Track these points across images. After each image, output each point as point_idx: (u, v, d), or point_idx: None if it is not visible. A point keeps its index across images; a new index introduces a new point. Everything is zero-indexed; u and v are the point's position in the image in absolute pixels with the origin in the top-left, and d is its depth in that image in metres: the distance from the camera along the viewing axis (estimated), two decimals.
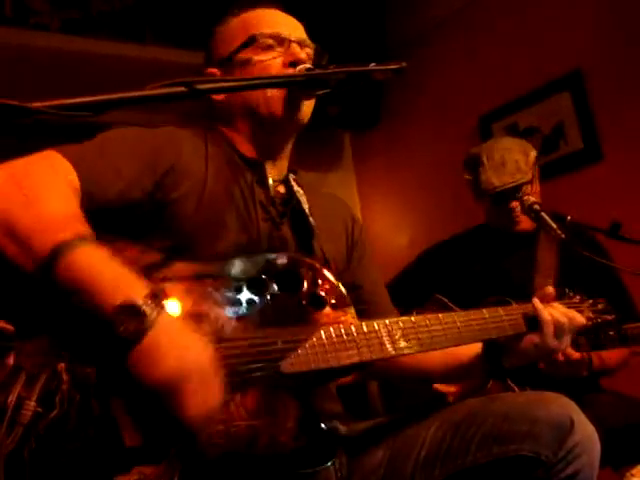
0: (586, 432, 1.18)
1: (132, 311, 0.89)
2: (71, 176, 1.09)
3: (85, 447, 0.91)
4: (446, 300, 2.30)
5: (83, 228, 0.98)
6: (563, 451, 1.15)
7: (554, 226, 2.05)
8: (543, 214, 2.11)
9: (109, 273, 0.94)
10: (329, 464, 1.07)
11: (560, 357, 1.93)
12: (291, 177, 1.43)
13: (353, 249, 1.50)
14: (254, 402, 1.03)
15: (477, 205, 2.54)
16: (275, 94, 1.31)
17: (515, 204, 2.28)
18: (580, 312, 1.50)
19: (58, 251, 0.92)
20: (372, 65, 1.11)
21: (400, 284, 2.50)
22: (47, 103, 0.81)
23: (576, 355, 1.96)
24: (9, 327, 0.93)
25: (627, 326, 1.95)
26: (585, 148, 3.04)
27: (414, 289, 2.44)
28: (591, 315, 1.59)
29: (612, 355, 2.12)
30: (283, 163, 1.43)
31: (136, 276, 0.95)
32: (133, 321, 0.89)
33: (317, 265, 1.19)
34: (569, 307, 1.49)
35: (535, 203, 2.18)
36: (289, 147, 1.43)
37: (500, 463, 1.18)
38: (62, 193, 1.05)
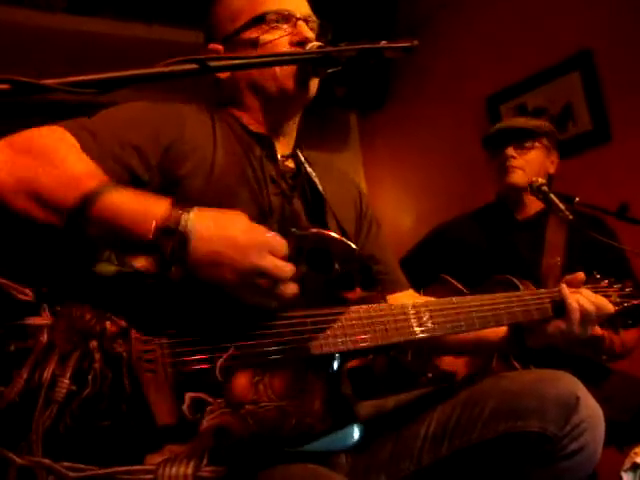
0: (591, 409, 1.19)
1: (167, 230, 0.94)
2: (76, 146, 1.09)
3: (117, 425, 0.91)
4: (453, 280, 2.30)
5: (106, 178, 1.01)
6: (569, 427, 1.16)
7: (562, 207, 2.05)
8: (551, 195, 2.11)
9: (138, 204, 0.98)
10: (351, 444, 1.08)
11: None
12: (299, 152, 1.43)
13: (362, 221, 1.51)
14: (283, 383, 1.03)
15: (484, 184, 2.54)
16: (286, 71, 1.31)
17: (510, 151, 2.28)
18: (607, 297, 1.49)
19: (90, 198, 0.95)
20: (383, 43, 1.10)
21: (410, 261, 2.50)
22: (57, 80, 0.81)
23: (597, 331, 1.90)
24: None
25: None
26: (594, 129, 3.02)
27: (424, 266, 2.45)
28: (618, 300, 1.57)
29: (628, 337, 2.11)
30: (290, 139, 1.42)
31: (159, 196, 1.00)
32: (172, 237, 0.94)
33: (348, 243, 1.18)
34: (596, 291, 1.48)
35: (543, 184, 2.17)
36: (296, 123, 1.42)
37: (507, 439, 1.19)
38: (75, 153, 1.06)
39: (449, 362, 2.11)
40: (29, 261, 0.97)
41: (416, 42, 1.13)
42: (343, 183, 1.54)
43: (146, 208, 0.97)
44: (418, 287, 2.26)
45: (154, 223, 0.94)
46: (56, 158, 1.02)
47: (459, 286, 2.28)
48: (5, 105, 0.79)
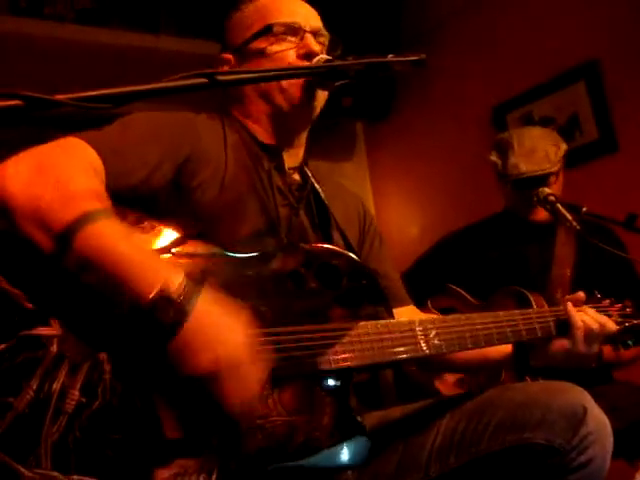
0: (599, 421, 1.19)
1: (168, 301, 0.87)
2: (95, 162, 1.07)
3: (127, 439, 0.90)
4: (461, 290, 2.30)
5: (105, 203, 0.95)
6: (576, 439, 1.16)
7: (569, 217, 2.05)
8: (559, 205, 2.11)
9: (138, 256, 0.91)
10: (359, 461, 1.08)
11: None
12: (305, 166, 1.44)
13: (365, 235, 1.51)
14: (291, 398, 1.03)
15: (490, 194, 2.54)
16: (292, 83, 1.32)
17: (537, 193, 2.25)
18: (609, 317, 1.51)
19: (79, 221, 0.88)
20: (391, 56, 1.11)
21: (417, 271, 2.50)
22: (69, 95, 0.81)
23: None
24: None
25: None
26: (600, 139, 3.02)
27: (431, 276, 2.45)
28: (619, 319, 1.59)
29: (627, 353, 2.11)
30: (298, 151, 1.43)
31: (167, 260, 0.94)
32: (169, 311, 0.87)
33: (356, 259, 1.19)
34: (598, 311, 1.49)
35: (550, 195, 2.17)
36: (304, 136, 1.43)
37: (514, 451, 1.19)
38: (84, 170, 1.02)
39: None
40: (40, 271, 0.94)
41: (424, 56, 1.13)
42: (347, 197, 1.55)
43: (154, 265, 0.91)
44: (426, 297, 2.27)
45: (159, 286, 0.87)
46: (64, 175, 0.97)
47: (467, 297, 2.28)
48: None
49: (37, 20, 3.23)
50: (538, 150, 2.29)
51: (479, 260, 2.39)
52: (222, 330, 0.91)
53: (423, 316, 1.31)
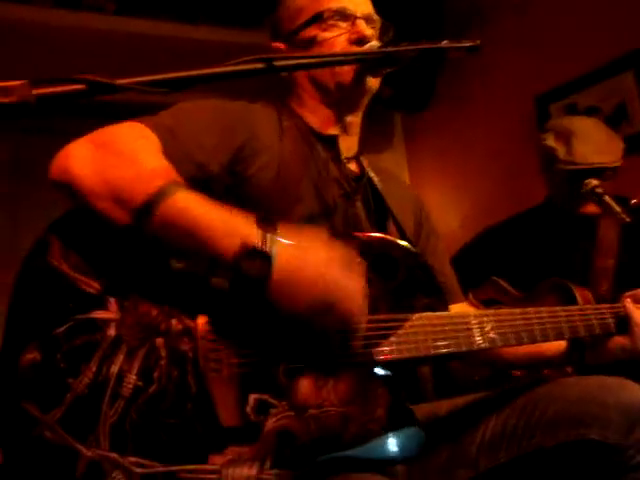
0: None
1: (253, 252, 0.92)
2: (156, 143, 1.09)
3: (182, 424, 0.92)
4: (503, 282, 2.27)
5: (178, 178, 1.00)
6: (634, 437, 1.13)
7: (618, 209, 2.00)
8: (606, 197, 2.06)
9: (216, 216, 0.96)
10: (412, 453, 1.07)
11: None
12: (361, 157, 1.43)
13: (421, 230, 1.50)
14: (346, 389, 1.02)
15: (531, 185, 2.49)
16: (345, 70, 1.31)
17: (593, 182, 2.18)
18: None
19: (157, 197, 0.93)
20: (445, 42, 1.09)
21: (459, 262, 2.47)
22: (130, 80, 0.82)
23: None
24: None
25: None
26: None
27: (473, 267, 2.41)
28: None
29: None
30: (353, 140, 1.42)
31: (240, 213, 0.97)
32: (256, 261, 0.91)
33: (413, 250, 1.18)
34: None
35: (597, 187, 2.12)
36: (358, 122, 1.42)
37: (567, 447, 1.16)
38: (151, 150, 1.06)
39: None
40: (100, 252, 0.98)
41: (479, 41, 1.12)
42: (403, 190, 1.54)
43: (228, 223, 0.95)
44: (467, 288, 2.24)
45: (238, 243, 0.92)
46: (134, 156, 1.02)
47: (510, 289, 2.24)
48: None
49: (77, 11, 3.27)
50: (609, 141, 2.23)
51: (522, 252, 2.36)
52: (312, 261, 0.95)
53: (477, 312, 1.29)
